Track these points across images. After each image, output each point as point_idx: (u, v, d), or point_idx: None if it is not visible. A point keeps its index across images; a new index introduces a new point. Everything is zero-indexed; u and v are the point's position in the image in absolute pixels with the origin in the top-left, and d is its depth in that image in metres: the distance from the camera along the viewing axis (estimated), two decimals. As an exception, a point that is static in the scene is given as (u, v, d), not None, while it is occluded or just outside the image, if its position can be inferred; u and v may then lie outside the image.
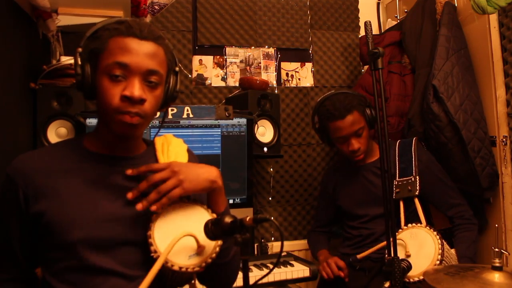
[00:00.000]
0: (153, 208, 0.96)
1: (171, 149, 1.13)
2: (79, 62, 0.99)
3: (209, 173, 1.03)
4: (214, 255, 1.00)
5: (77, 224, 0.95)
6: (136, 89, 0.94)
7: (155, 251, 0.95)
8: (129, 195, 0.99)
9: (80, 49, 0.99)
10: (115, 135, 1.01)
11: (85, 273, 0.95)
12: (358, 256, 1.84)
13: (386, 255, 1.35)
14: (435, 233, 1.59)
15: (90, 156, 1.03)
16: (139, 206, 0.97)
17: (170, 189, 0.97)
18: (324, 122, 1.91)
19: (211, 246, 1.01)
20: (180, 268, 0.96)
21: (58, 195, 0.97)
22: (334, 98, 1.88)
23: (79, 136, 1.11)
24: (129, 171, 1.01)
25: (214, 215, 1.04)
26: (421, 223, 1.67)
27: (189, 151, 1.17)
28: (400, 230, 1.68)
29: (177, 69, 1.08)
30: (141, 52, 0.96)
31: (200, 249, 0.99)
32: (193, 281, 1.04)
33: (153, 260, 0.95)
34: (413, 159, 1.84)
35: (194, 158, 1.19)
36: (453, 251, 1.71)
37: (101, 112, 1.00)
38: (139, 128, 1.00)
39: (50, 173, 0.99)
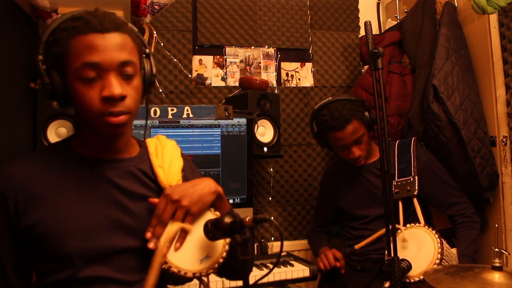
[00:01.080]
0: (178, 246, 0.97)
1: (166, 152, 1.09)
2: (44, 71, 0.92)
3: (209, 187, 1.03)
4: (224, 254, 1.01)
5: (73, 235, 0.90)
6: (114, 87, 0.88)
7: (166, 262, 0.95)
8: (148, 235, 0.96)
9: (40, 57, 0.92)
10: (103, 137, 0.97)
11: (81, 283, 0.91)
12: (356, 247, 1.84)
13: (386, 256, 1.35)
14: (433, 232, 1.59)
15: (81, 160, 0.98)
16: (151, 245, 0.94)
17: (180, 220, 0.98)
18: (323, 132, 1.90)
19: (220, 245, 1.01)
20: (194, 274, 0.96)
21: (51, 204, 0.91)
22: (332, 107, 1.84)
23: (66, 139, 1.04)
24: (151, 245, 0.94)
25: (218, 213, 1.04)
26: (420, 223, 1.68)
27: (183, 155, 1.14)
28: (399, 230, 1.68)
29: (147, 51, 1.02)
30: (109, 45, 0.89)
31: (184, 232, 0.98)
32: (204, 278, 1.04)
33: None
34: (412, 159, 1.84)
35: (189, 162, 1.17)
36: (453, 250, 1.70)
37: (83, 118, 0.94)
38: (126, 125, 0.95)
39: (41, 182, 0.93)
